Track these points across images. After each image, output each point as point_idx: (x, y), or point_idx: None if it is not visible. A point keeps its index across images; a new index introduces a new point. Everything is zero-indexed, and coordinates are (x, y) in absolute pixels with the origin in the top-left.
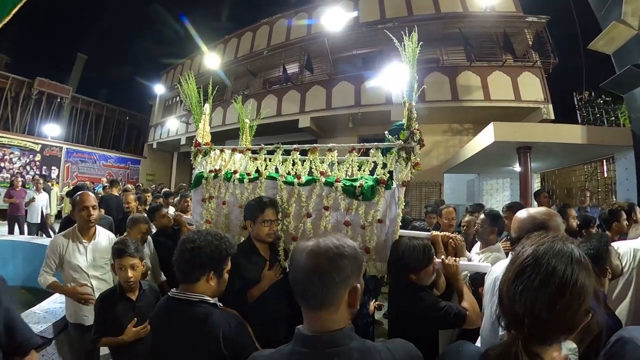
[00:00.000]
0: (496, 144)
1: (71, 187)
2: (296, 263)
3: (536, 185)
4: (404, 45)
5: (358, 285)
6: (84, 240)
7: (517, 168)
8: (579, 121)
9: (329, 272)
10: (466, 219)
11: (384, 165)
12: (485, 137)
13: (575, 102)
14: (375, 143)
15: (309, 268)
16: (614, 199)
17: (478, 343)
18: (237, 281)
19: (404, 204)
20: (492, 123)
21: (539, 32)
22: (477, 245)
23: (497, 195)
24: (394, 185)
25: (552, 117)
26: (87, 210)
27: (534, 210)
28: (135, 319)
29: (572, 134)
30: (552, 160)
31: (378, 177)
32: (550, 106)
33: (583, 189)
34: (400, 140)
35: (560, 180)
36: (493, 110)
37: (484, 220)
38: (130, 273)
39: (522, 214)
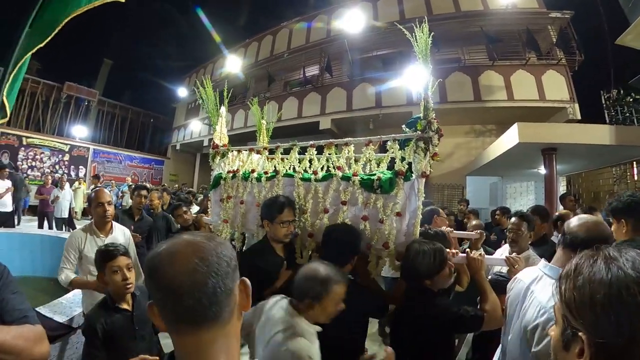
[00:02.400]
0: (520, 146)
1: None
2: None
3: (562, 188)
4: (416, 37)
5: None
6: (101, 235)
7: (542, 170)
8: (607, 121)
9: None
10: (513, 220)
11: (403, 159)
12: (509, 138)
13: (603, 101)
14: (392, 135)
15: None
16: None
17: (498, 352)
18: (253, 281)
19: (423, 195)
20: (516, 124)
21: (563, 28)
22: (504, 248)
23: (521, 198)
24: (413, 176)
25: (579, 117)
26: (102, 206)
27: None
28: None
29: (600, 134)
30: (579, 163)
31: (397, 169)
32: (577, 105)
33: (611, 193)
34: (418, 131)
35: (587, 184)
36: (517, 110)
37: (520, 224)
38: (127, 274)
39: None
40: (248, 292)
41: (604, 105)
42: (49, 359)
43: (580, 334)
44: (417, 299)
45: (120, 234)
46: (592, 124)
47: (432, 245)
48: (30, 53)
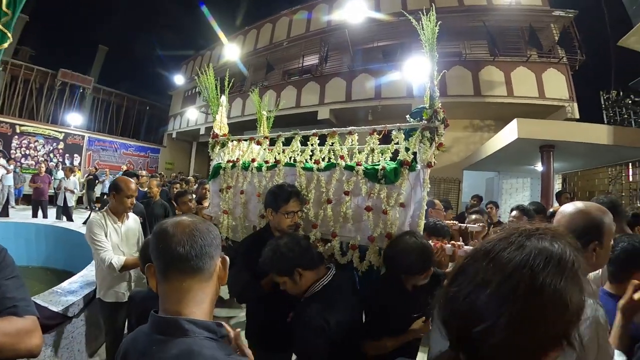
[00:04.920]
0: (519, 141)
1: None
2: None
3: (557, 186)
4: (422, 25)
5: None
6: (118, 222)
7: (539, 167)
8: (605, 121)
9: None
10: (514, 213)
11: (407, 149)
12: (508, 133)
13: (602, 102)
14: (398, 124)
15: None
16: (639, 205)
17: None
18: (249, 269)
19: (429, 186)
20: (515, 119)
21: (566, 27)
22: None
23: (517, 194)
24: (419, 166)
25: (577, 116)
26: (132, 198)
27: (587, 204)
28: None
29: (598, 134)
30: (576, 161)
31: (402, 159)
32: (575, 105)
33: (606, 193)
34: (424, 120)
35: (583, 183)
36: (516, 107)
37: (520, 217)
38: None
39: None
40: (226, 267)
41: (603, 106)
42: (41, 350)
43: None
44: (384, 288)
45: (133, 221)
46: (591, 123)
47: (421, 242)
48: None
